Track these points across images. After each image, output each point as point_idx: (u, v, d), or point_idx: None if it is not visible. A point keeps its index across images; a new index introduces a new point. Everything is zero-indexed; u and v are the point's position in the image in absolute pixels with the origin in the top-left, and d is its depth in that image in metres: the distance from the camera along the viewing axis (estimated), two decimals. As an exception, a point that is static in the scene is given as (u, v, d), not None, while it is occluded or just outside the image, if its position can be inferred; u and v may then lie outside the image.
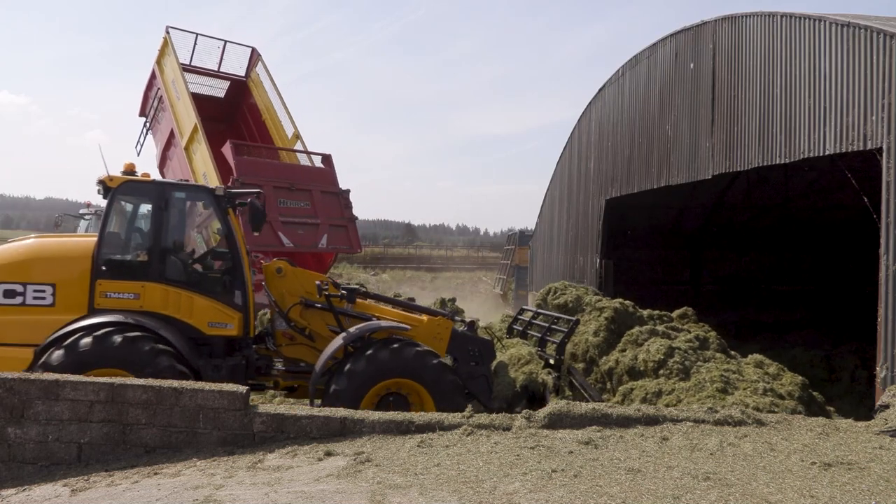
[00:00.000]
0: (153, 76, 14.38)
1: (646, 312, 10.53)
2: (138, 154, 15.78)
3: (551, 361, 8.88)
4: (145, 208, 7.48)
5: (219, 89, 15.60)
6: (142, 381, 5.71)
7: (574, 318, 9.44)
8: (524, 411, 5.92)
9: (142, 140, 15.50)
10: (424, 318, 8.09)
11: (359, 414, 5.79)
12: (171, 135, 13.48)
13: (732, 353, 9.49)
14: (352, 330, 7.29)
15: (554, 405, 5.91)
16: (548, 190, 20.63)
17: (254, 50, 15.32)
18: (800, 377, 8.71)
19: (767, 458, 4.98)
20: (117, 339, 6.36)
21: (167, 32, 14.05)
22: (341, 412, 5.84)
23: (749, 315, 17.75)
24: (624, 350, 9.62)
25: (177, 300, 7.06)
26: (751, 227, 18.92)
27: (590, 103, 17.20)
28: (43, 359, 6.31)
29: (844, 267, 18.63)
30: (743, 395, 7.97)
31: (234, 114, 15.73)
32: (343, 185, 13.32)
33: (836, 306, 17.84)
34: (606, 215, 15.99)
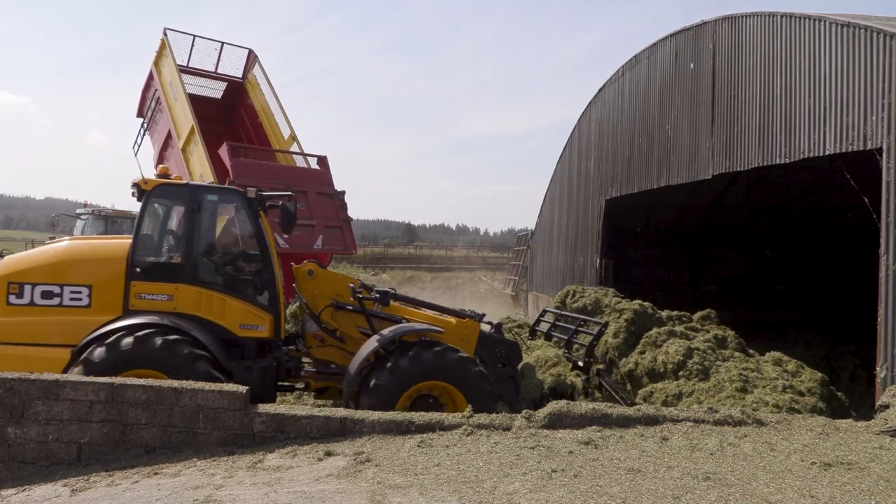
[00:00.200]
0: (151, 77, 14.40)
1: (665, 313, 10.54)
2: (136, 155, 15.79)
3: (580, 364, 8.90)
4: (178, 211, 7.54)
5: (216, 90, 15.61)
6: (142, 381, 5.71)
7: (603, 322, 9.50)
8: (524, 411, 5.92)
9: (139, 141, 15.53)
10: (452, 320, 8.13)
11: (359, 414, 5.79)
12: (169, 136, 13.48)
13: (751, 351, 9.50)
14: (385, 332, 7.33)
15: (554, 405, 5.91)
16: (548, 190, 20.64)
17: (251, 51, 15.34)
18: (819, 374, 8.67)
19: (767, 458, 4.98)
20: (158, 341, 6.42)
21: (165, 34, 14.08)
22: (341, 412, 5.84)
23: (749, 315, 17.74)
24: (643, 352, 9.62)
25: (209, 302, 7.13)
26: (751, 227, 18.92)
27: (590, 103, 17.20)
28: (84, 355, 6.38)
29: (844, 267, 18.63)
30: (762, 392, 7.96)
31: (231, 115, 15.75)
32: (343, 186, 13.32)
33: (836, 306, 17.85)
34: (606, 215, 15.99)
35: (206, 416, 5.58)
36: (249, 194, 7.44)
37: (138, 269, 7.02)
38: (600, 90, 16.54)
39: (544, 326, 11.01)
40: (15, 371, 5.85)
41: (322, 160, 13.48)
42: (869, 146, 8.19)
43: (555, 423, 5.71)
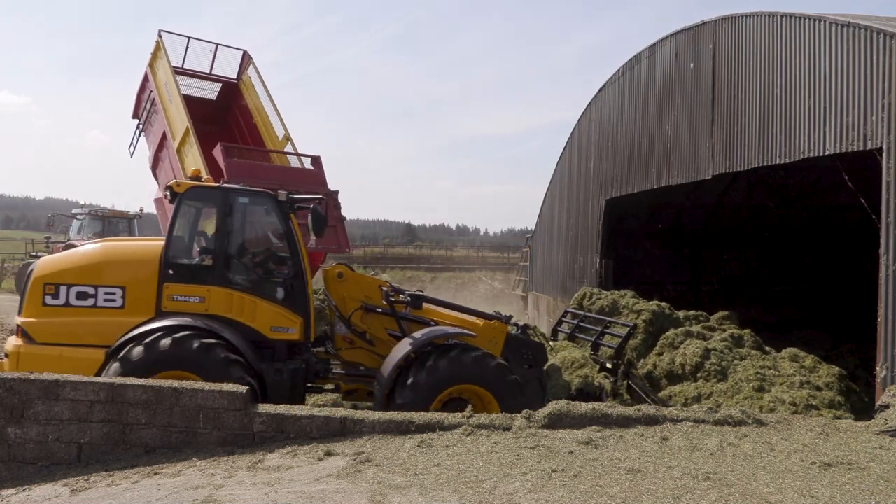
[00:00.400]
0: (146, 79, 14.45)
1: (682, 313, 10.56)
2: (131, 156, 15.87)
3: (608, 365, 8.91)
4: (210, 213, 7.58)
5: (211, 91, 15.70)
6: (142, 381, 5.72)
7: (631, 323, 9.51)
8: (524, 411, 5.93)
9: (135, 142, 15.61)
10: (480, 321, 8.19)
11: (359, 414, 5.79)
12: (164, 137, 13.53)
13: (767, 348, 9.51)
14: (417, 336, 7.38)
15: (553, 405, 5.91)
16: (548, 190, 20.63)
17: (245, 53, 15.43)
18: (836, 368, 8.68)
19: (767, 458, 4.98)
20: (195, 343, 6.48)
21: (159, 36, 14.16)
22: (341, 412, 5.84)
23: (749, 315, 17.71)
24: (661, 354, 9.62)
25: (240, 304, 7.17)
26: (751, 227, 18.91)
27: (590, 103, 17.19)
28: (123, 353, 6.44)
29: (844, 267, 18.62)
30: (779, 391, 7.97)
31: (226, 115, 15.82)
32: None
33: (836, 306, 17.84)
34: (606, 215, 15.98)
35: (206, 416, 5.59)
36: (280, 197, 7.48)
37: (171, 271, 7.08)
38: (600, 90, 16.53)
39: (565, 327, 11.10)
40: (52, 371, 5.92)
41: (316, 160, 13.53)
42: (869, 146, 8.19)
43: (555, 423, 5.71)
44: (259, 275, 7.41)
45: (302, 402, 7.32)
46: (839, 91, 8.73)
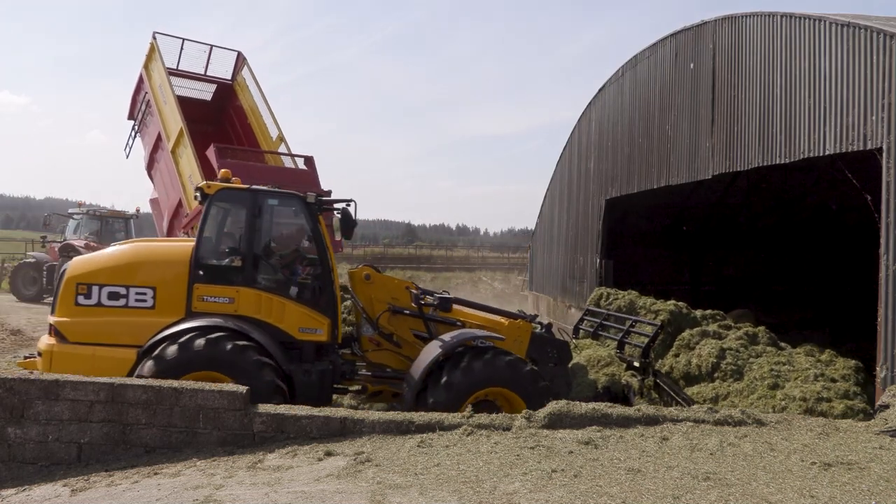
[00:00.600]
0: (141, 81, 14.50)
1: (699, 313, 10.53)
2: (127, 157, 15.92)
3: (636, 364, 8.92)
4: (240, 214, 7.60)
5: (206, 92, 15.78)
6: (142, 381, 5.72)
7: (658, 323, 9.51)
8: (524, 411, 5.93)
9: (130, 143, 15.67)
10: (505, 321, 8.21)
11: (359, 414, 5.80)
12: (159, 138, 13.58)
13: (782, 344, 9.51)
14: (446, 338, 7.40)
15: (554, 405, 5.91)
16: (548, 190, 20.62)
17: (239, 54, 15.51)
18: (853, 360, 8.68)
19: (767, 458, 4.98)
20: (228, 345, 6.51)
21: (154, 38, 14.22)
22: (341, 412, 5.84)
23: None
24: (677, 355, 9.62)
25: (269, 305, 7.20)
26: (751, 227, 18.91)
27: (590, 103, 17.19)
28: (157, 352, 6.48)
29: (844, 267, 18.61)
30: (792, 386, 7.96)
31: (221, 116, 15.90)
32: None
33: (836, 306, 17.83)
34: (606, 215, 15.98)
35: (206, 416, 5.59)
36: (309, 199, 7.50)
37: (201, 272, 7.11)
38: (600, 90, 16.53)
39: (586, 325, 11.17)
40: (85, 371, 5.97)
41: (309, 160, 13.58)
42: (869, 146, 8.18)
43: (555, 423, 5.71)
44: (287, 276, 7.44)
45: (329, 403, 7.31)
46: (839, 91, 8.73)
